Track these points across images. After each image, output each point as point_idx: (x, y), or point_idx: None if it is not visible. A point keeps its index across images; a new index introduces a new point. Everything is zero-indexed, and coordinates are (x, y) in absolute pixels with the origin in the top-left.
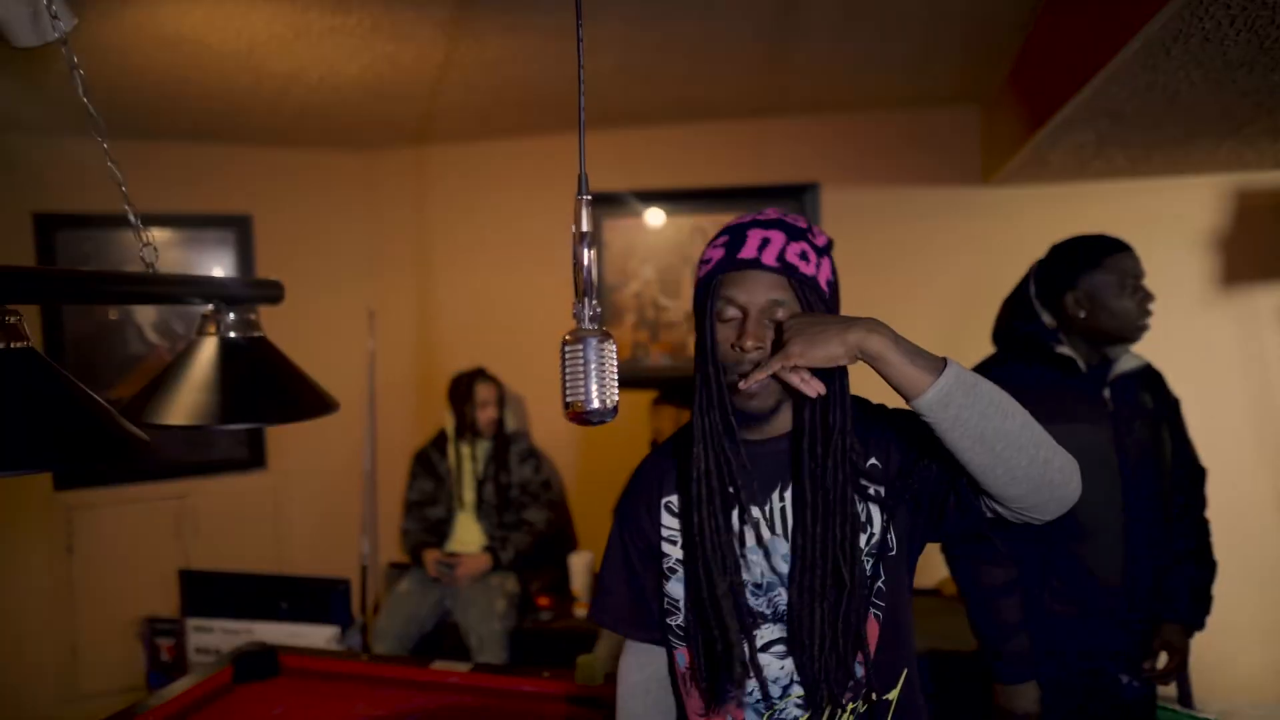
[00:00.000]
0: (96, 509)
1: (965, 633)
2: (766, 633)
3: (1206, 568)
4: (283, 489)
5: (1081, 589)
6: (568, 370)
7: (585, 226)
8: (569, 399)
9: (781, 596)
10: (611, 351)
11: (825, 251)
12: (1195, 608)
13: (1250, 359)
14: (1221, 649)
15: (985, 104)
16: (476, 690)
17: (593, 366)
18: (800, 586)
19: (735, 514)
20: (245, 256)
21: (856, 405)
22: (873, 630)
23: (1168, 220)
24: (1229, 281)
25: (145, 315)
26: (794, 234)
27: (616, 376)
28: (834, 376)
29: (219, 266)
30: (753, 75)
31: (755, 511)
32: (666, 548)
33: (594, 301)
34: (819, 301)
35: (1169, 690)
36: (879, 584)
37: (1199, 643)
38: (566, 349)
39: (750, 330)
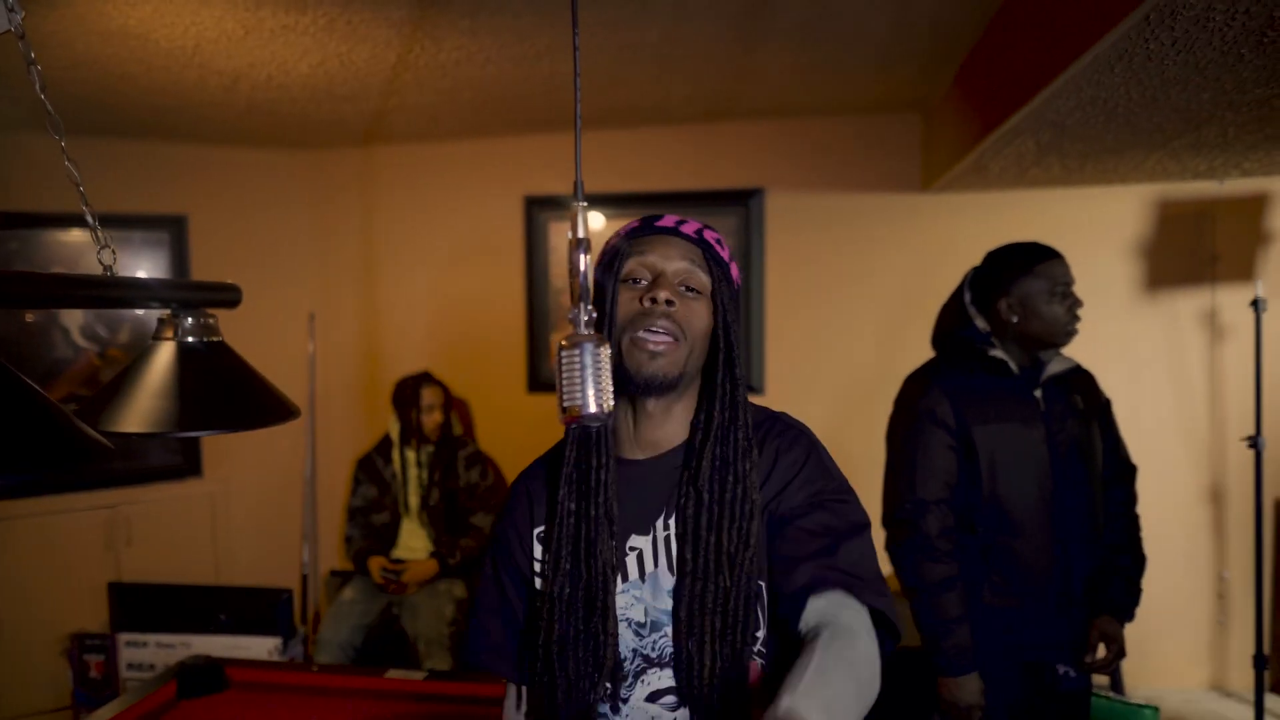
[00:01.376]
0: (18, 521)
1: (909, 628)
2: (654, 679)
3: (1137, 561)
4: (220, 497)
5: (1017, 583)
6: (564, 374)
7: (582, 232)
8: (566, 403)
9: (668, 638)
10: (606, 356)
11: (733, 259)
12: (1127, 600)
13: (1172, 360)
14: (1148, 638)
15: (926, 112)
16: (433, 698)
17: (589, 371)
18: (691, 602)
19: (613, 543)
20: (180, 258)
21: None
22: (755, 675)
23: (1097, 227)
24: (1152, 286)
25: (73, 318)
26: (710, 228)
27: (611, 381)
28: (723, 368)
29: (145, 269)
30: (709, 81)
31: (638, 540)
32: (541, 584)
33: (589, 306)
34: (729, 288)
35: (1101, 679)
36: (759, 632)
37: (1127, 633)
38: (563, 354)
39: (665, 285)
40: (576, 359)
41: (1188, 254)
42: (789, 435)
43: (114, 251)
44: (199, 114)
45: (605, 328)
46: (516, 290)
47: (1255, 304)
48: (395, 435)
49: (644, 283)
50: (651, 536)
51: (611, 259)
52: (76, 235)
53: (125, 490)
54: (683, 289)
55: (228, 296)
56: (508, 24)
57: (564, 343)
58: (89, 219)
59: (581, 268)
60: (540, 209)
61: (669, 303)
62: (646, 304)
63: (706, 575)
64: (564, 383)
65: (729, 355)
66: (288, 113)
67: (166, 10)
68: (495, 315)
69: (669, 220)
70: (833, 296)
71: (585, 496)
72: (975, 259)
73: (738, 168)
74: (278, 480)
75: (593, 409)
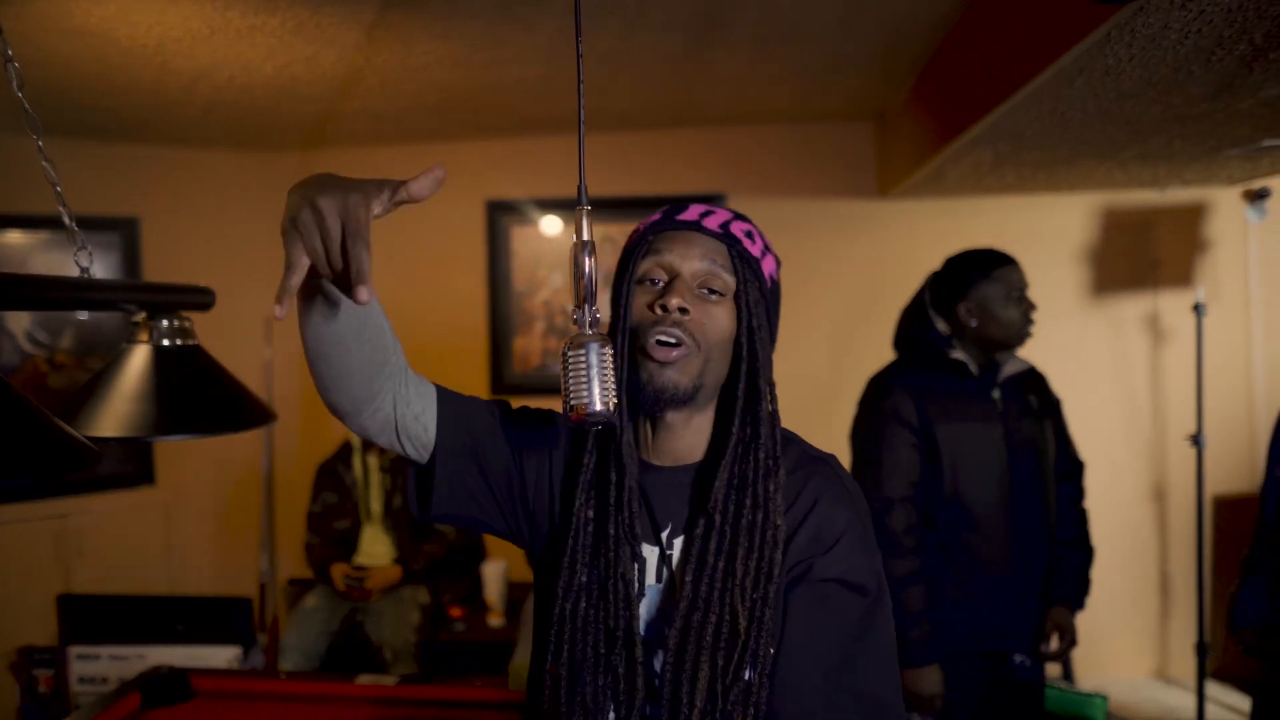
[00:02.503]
0: None
1: None
2: None
3: (1086, 554)
4: (173, 506)
5: (977, 576)
6: (571, 374)
7: (586, 235)
8: (573, 401)
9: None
10: (610, 356)
11: (770, 250)
12: (1078, 591)
13: (1118, 362)
14: (1096, 630)
15: (879, 120)
16: (404, 703)
17: (594, 370)
18: (685, 632)
19: (635, 565)
20: (131, 262)
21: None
22: None
23: (1046, 234)
24: (1099, 291)
25: (18, 322)
26: (741, 216)
27: (615, 381)
28: (757, 385)
29: (95, 274)
30: (670, 88)
31: (645, 549)
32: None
33: (594, 308)
34: (757, 289)
35: (1053, 669)
36: (765, 690)
37: (1076, 624)
38: (569, 354)
39: (679, 290)
40: (582, 359)
41: (1131, 260)
42: (836, 487)
43: (90, 254)
44: (154, 114)
45: (617, 332)
46: (478, 294)
47: (1197, 309)
48: (356, 441)
49: (660, 284)
50: (659, 549)
51: (628, 256)
52: (16, 237)
53: (75, 499)
54: (704, 291)
55: (200, 299)
56: (480, 28)
57: (569, 343)
58: (66, 220)
59: (586, 269)
60: (502, 213)
61: (682, 310)
62: (658, 310)
63: (709, 605)
64: (570, 382)
65: (751, 364)
66: (247, 114)
67: (132, 8)
68: (457, 319)
69: (692, 213)
70: (792, 300)
71: (604, 509)
72: (930, 264)
73: (699, 173)
74: (233, 488)
75: (598, 407)
